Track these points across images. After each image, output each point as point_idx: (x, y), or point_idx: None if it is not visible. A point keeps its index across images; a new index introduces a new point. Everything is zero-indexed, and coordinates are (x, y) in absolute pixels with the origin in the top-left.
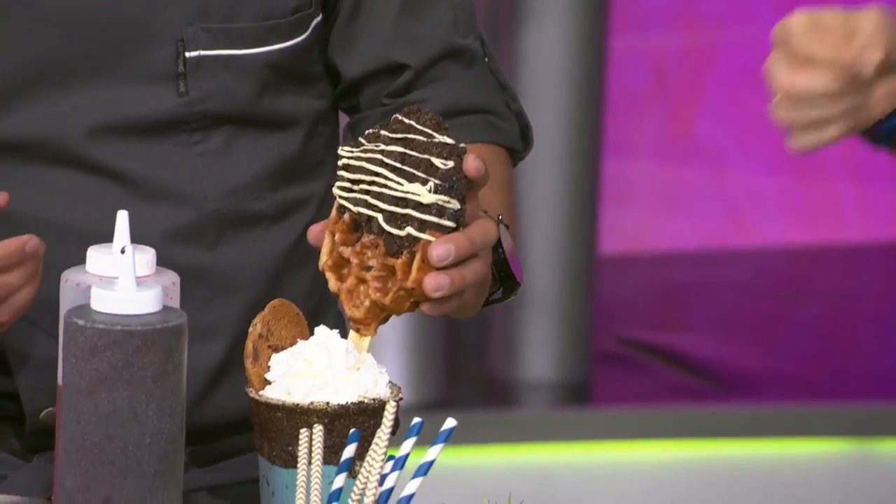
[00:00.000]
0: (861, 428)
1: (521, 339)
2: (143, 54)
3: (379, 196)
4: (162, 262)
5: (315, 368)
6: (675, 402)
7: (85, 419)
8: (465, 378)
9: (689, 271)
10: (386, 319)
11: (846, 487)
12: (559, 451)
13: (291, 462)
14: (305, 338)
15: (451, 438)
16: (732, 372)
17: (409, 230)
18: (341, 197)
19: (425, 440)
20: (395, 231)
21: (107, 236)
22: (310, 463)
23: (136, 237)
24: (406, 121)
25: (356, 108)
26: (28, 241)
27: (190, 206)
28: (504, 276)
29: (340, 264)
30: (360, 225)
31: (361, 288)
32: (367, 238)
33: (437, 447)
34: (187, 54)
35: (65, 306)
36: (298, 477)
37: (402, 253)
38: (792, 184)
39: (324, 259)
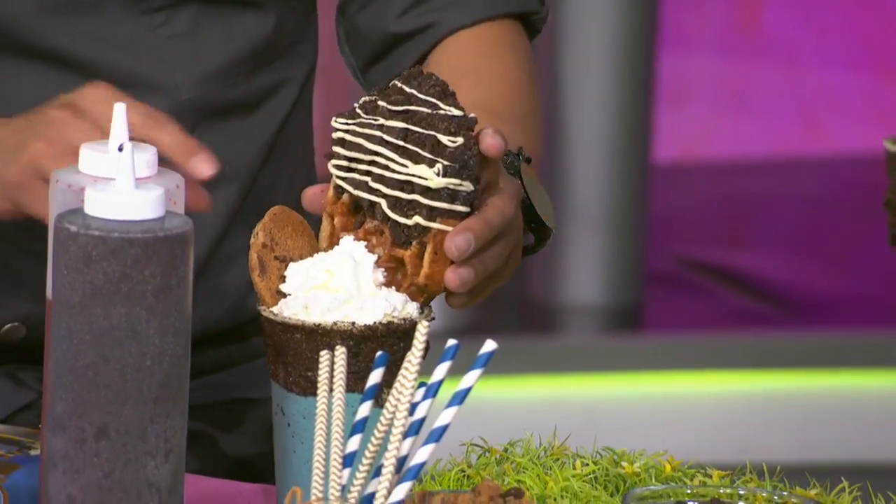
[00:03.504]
0: None
1: (565, 258)
2: None
3: (381, 179)
4: None
5: (337, 280)
6: (737, 328)
7: (78, 337)
8: (500, 301)
9: (755, 182)
10: None
11: None
12: (606, 382)
13: (310, 389)
14: (314, 248)
15: (488, 365)
16: (804, 295)
17: (418, 219)
18: (338, 177)
19: (458, 370)
20: (401, 219)
21: None
22: (331, 390)
23: None
24: (407, 89)
25: None
26: None
27: (161, 96)
28: (533, 224)
29: None
30: (361, 206)
31: None
32: (370, 223)
33: (475, 372)
34: None
35: (55, 210)
36: (318, 405)
37: (410, 243)
38: (875, 82)
39: (323, 246)
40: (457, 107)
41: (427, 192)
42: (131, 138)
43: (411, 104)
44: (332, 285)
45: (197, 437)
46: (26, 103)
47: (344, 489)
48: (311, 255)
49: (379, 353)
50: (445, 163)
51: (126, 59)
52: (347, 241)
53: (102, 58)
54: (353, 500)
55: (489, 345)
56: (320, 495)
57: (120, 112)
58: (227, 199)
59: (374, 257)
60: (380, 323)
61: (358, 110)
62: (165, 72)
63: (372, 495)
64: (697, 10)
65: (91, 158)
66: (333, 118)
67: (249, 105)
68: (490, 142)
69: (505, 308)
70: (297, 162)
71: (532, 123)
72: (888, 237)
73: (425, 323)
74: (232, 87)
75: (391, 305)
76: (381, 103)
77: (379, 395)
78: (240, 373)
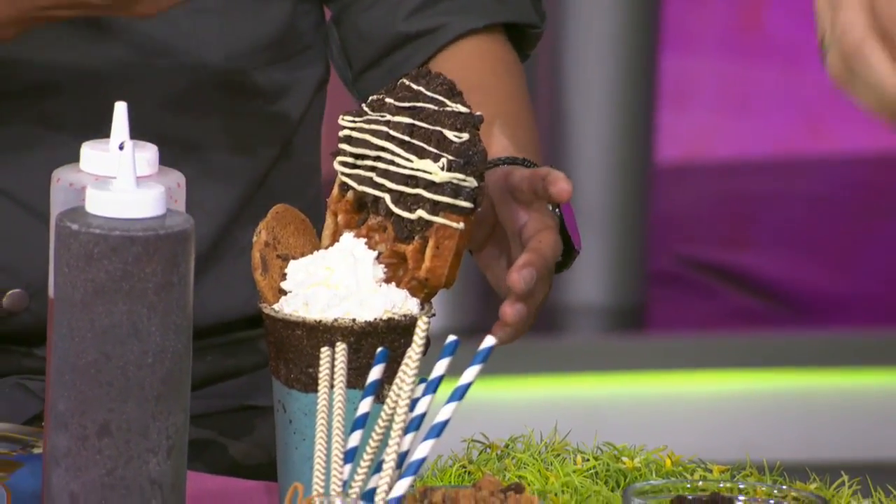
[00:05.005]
0: None
1: None
2: None
3: (385, 174)
4: (151, 129)
5: (337, 277)
6: (740, 328)
7: (79, 335)
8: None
9: (757, 181)
10: None
11: None
12: (610, 382)
13: (311, 386)
14: (316, 247)
15: (489, 363)
16: (805, 294)
17: (421, 213)
18: (343, 174)
19: (458, 369)
20: (404, 214)
21: (88, 95)
22: (332, 386)
23: (128, 98)
24: (414, 87)
25: None
26: None
27: (183, 67)
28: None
29: None
30: (365, 204)
31: None
32: (373, 220)
33: (475, 368)
34: None
35: (56, 209)
36: (319, 402)
37: (413, 238)
38: None
39: (326, 243)
40: (464, 104)
41: (431, 186)
42: None
43: (418, 101)
44: (332, 282)
45: (207, 445)
46: (46, 56)
47: (345, 485)
48: (313, 253)
49: (379, 349)
50: (450, 157)
51: (153, 26)
52: (347, 237)
53: (130, 20)
54: (354, 496)
55: (488, 340)
56: (321, 491)
57: (121, 110)
58: (238, 188)
59: (374, 254)
60: (380, 319)
61: (365, 108)
62: (191, 44)
63: (373, 491)
64: (699, 10)
65: (92, 157)
66: (341, 116)
67: (269, 96)
68: (564, 186)
69: None
70: (309, 168)
71: (536, 138)
72: None
73: (425, 319)
74: (253, 72)
75: (391, 302)
76: (388, 100)
77: (379, 392)
78: (250, 380)
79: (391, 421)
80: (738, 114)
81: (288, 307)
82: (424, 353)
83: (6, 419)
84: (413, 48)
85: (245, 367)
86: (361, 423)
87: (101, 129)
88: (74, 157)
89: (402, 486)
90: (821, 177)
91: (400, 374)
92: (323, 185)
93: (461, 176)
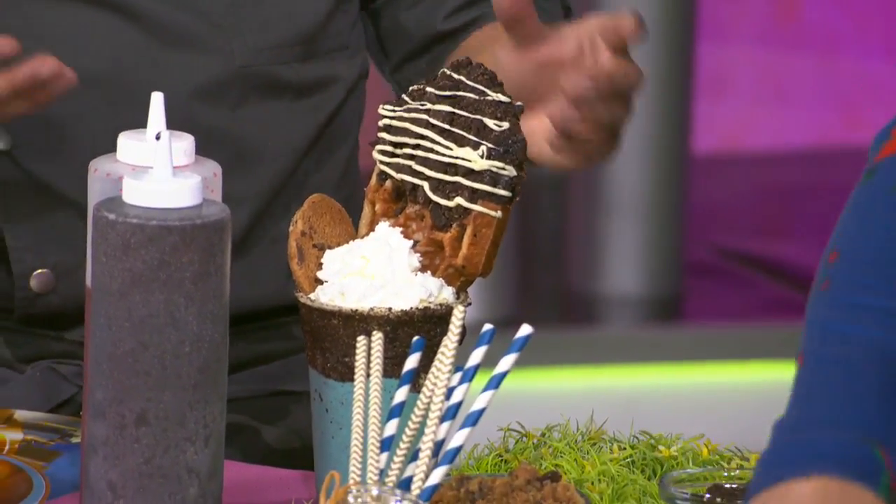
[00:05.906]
0: None
1: (604, 249)
2: None
3: (424, 162)
4: (181, 119)
5: (373, 267)
6: (777, 318)
7: (117, 325)
8: (540, 292)
9: (794, 172)
10: None
11: None
12: (646, 373)
13: (348, 375)
14: (352, 236)
15: (525, 354)
16: None
17: (459, 200)
18: (382, 162)
19: (494, 359)
20: (442, 201)
21: (118, 84)
22: (368, 375)
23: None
24: (455, 76)
25: None
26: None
27: (214, 59)
28: None
29: None
30: (403, 193)
31: None
32: (411, 208)
33: (511, 356)
34: None
35: (93, 199)
36: (355, 390)
37: (450, 226)
38: None
39: (363, 232)
40: (504, 94)
41: (470, 174)
42: None
43: (459, 90)
44: (368, 271)
45: (239, 429)
46: (74, 45)
47: (382, 473)
48: (349, 243)
49: (416, 338)
50: (490, 146)
51: (185, 16)
52: (383, 227)
53: (161, 12)
54: (390, 485)
55: (525, 329)
56: (358, 479)
57: (157, 100)
58: (268, 179)
59: (410, 243)
60: (416, 308)
61: (405, 98)
62: (222, 36)
63: (409, 479)
64: (736, 0)
65: (129, 147)
66: (381, 106)
67: (300, 90)
68: (627, 23)
69: (544, 299)
70: (345, 163)
71: None
72: None
73: (461, 308)
74: (285, 67)
75: (427, 291)
76: (428, 89)
77: (416, 380)
78: (283, 366)
79: (427, 410)
80: (774, 104)
81: (324, 296)
82: (460, 342)
83: (38, 403)
84: (452, 41)
85: (278, 353)
86: (398, 411)
87: (125, 117)
88: (95, 142)
89: (438, 475)
90: (857, 167)
91: (436, 363)
92: (362, 178)
93: (500, 164)
